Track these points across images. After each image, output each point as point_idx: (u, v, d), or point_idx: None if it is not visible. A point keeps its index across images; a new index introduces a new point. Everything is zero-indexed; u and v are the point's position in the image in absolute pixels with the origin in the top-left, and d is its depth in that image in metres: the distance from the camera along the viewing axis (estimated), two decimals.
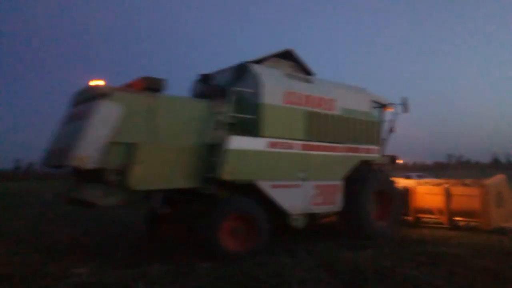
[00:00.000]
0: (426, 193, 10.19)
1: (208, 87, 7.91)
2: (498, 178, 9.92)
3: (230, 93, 7.09)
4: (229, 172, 6.63)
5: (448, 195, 9.75)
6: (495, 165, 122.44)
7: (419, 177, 16.77)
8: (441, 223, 9.84)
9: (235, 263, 6.16)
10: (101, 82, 6.51)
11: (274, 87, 7.39)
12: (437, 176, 13.58)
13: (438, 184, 10.25)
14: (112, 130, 5.91)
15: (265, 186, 7.09)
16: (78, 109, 6.54)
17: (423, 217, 10.32)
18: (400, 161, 10.57)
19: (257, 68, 7.53)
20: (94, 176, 6.03)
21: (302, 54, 8.52)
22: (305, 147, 7.76)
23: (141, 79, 6.55)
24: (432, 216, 10.05)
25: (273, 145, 7.29)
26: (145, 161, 6.09)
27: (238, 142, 6.84)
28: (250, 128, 7.11)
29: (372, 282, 5.22)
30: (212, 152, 6.71)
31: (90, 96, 6.27)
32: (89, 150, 5.73)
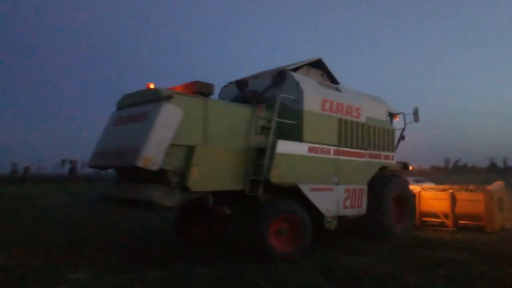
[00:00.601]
0: (432, 198, 10.86)
1: (244, 93, 8.17)
2: (498, 185, 10.68)
3: (270, 99, 7.49)
4: (276, 175, 6.93)
5: (454, 200, 10.40)
6: (493, 170, 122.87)
7: (417, 182, 16.72)
8: (446, 226, 10.44)
9: (233, 269, 6.14)
10: (152, 85, 6.82)
11: (313, 95, 7.76)
12: (435, 181, 13.60)
13: (443, 190, 10.98)
14: (173, 133, 6.09)
15: (306, 189, 7.40)
16: (135, 110, 6.63)
17: (428, 220, 10.96)
18: (411, 168, 11.32)
19: (296, 76, 7.87)
20: (149, 177, 6.17)
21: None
22: (337, 153, 8.17)
23: (193, 83, 6.84)
24: (438, 220, 10.68)
25: (312, 150, 7.66)
26: (202, 164, 6.29)
27: (285, 147, 7.16)
28: (290, 133, 7.41)
29: None
30: (258, 156, 6.96)
31: (150, 99, 6.44)
32: (154, 152, 5.88)
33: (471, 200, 10.25)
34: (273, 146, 7.00)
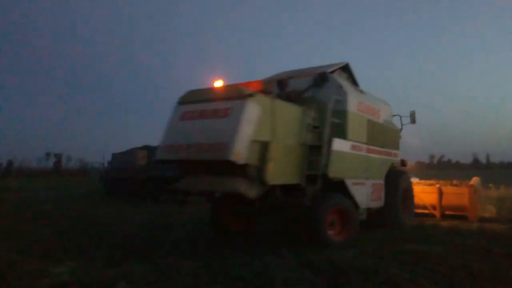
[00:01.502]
0: (421, 192, 12.11)
1: (286, 92, 8.52)
2: (476, 180, 12.03)
3: (310, 99, 8.22)
4: (332, 170, 7.66)
5: (441, 193, 11.89)
6: (476, 166, 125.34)
7: None
8: (433, 216, 11.86)
9: (219, 263, 6.14)
10: (222, 82, 7.77)
11: (353, 96, 8.54)
12: (420, 176, 13.94)
13: (431, 184, 12.40)
14: (254, 129, 6.57)
15: (349, 183, 8.15)
16: (210, 106, 7.03)
17: (417, 212, 11.88)
18: (408, 164, 12.28)
19: (337, 78, 8.58)
20: (228, 171, 6.67)
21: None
22: (367, 150, 9.04)
23: (258, 82, 7.65)
24: (426, 211, 12.05)
25: (353, 147, 8.47)
26: (274, 159, 6.80)
27: (338, 144, 7.92)
28: (333, 132, 7.97)
29: (355, 281, 5.25)
30: (311, 152, 7.54)
31: (230, 96, 6.94)
32: (242, 147, 6.35)
33: (456, 193, 11.72)
34: (329, 143, 7.69)
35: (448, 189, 11.96)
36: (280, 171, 6.97)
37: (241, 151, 6.32)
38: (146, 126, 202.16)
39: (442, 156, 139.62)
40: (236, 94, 6.86)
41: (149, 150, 21.93)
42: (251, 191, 6.64)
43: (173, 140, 7.27)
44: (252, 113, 6.58)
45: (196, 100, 7.36)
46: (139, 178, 21.34)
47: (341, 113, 8.17)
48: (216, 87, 7.72)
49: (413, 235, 8.66)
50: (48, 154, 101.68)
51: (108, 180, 27.43)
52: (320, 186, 7.43)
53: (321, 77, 8.35)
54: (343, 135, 8.12)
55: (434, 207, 11.91)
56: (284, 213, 8.33)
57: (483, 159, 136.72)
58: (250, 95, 6.71)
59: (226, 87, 7.44)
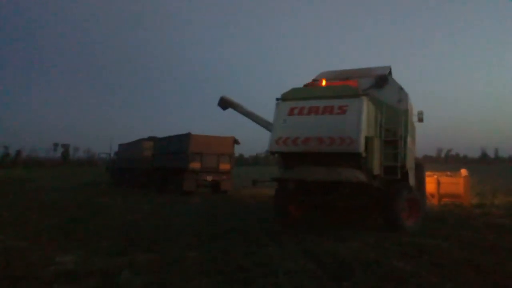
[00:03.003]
0: None
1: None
2: (465, 171, 13.72)
3: (376, 99, 8.86)
4: (408, 162, 8.84)
5: (439, 183, 13.45)
6: (484, 160, 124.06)
7: None
8: (432, 203, 13.20)
9: (223, 254, 6.17)
10: (325, 81, 8.86)
11: (409, 97, 9.38)
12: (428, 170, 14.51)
13: (429, 176, 13.38)
14: (366, 125, 7.58)
15: (411, 173, 9.32)
16: (322, 103, 7.99)
17: None
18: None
19: (396, 81, 9.41)
20: (341, 162, 7.67)
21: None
22: (413, 144, 10.19)
23: (353, 82, 8.74)
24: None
25: (411, 142, 9.56)
26: (375, 152, 7.90)
27: (408, 139, 9.03)
28: (391, 128, 8.87)
29: (358, 273, 5.25)
30: (386, 146, 8.57)
31: (343, 94, 7.96)
32: (362, 140, 7.39)
33: (452, 183, 13.45)
34: (405, 139, 8.78)
35: (445, 179, 13.59)
36: (378, 163, 8.14)
37: (362, 144, 7.34)
38: (152, 117, 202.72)
39: (450, 150, 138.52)
40: (351, 93, 7.89)
41: (155, 141, 22.13)
42: (367, 180, 7.64)
43: (285, 133, 8.10)
44: (366, 110, 7.60)
45: (302, 97, 8.28)
46: (145, 168, 21.54)
47: (404, 112, 9.06)
48: (323, 86, 8.72)
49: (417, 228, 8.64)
50: (55, 145, 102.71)
51: (115, 170, 27.72)
52: (399, 176, 8.36)
53: (382, 79, 9.21)
54: (405, 131, 8.94)
55: (432, 195, 13.43)
56: (357, 201, 8.78)
57: (491, 154, 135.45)
58: (365, 95, 7.81)
59: (337, 86, 8.43)
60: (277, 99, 8.61)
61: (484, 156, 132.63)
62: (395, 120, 8.84)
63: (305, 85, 9.12)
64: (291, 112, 8.20)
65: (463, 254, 6.25)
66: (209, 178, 17.29)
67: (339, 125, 7.59)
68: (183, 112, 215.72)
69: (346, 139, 7.41)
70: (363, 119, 7.49)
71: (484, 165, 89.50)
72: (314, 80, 9.47)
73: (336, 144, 7.51)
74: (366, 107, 7.61)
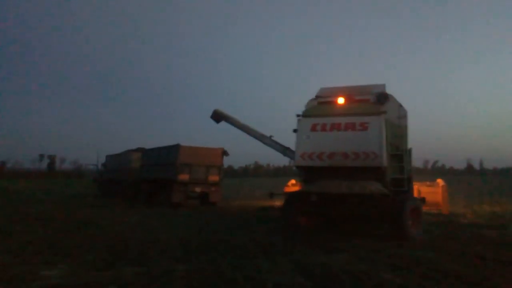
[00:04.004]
0: None
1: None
2: (442, 181, 14.64)
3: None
4: (412, 174, 9.37)
5: (419, 192, 13.87)
6: (470, 171, 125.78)
7: None
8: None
9: (211, 266, 6.10)
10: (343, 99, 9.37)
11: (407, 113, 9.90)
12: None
13: None
14: (385, 141, 8.29)
15: (414, 184, 9.97)
16: (343, 120, 8.69)
17: None
18: None
19: (395, 98, 9.76)
20: (362, 175, 8.30)
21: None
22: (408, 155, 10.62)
23: (367, 100, 9.41)
24: None
25: (411, 154, 9.97)
26: (389, 164, 8.52)
27: (411, 152, 9.76)
28: (394, 142, 9.20)
29: (347, 286, 5.23)
30: (392, 160, 8.87)
31: (364, 112, 8.77)
32: (385, 154, 8.20)
33: (431, 192, 14.09)
34: (409, 152, 9.39)
35: (425, 189, 14.29)
36: (390, 175, 8.63)
37: (385, 159, 8.02)
38: (140, 128, 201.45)
39: (436, 162, 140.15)
40: (372, 111, 8.65)
41: (143, 152, 21.93)
42: (389, 192, 8.17)
43: (310, 148, 8.59)
44: (385, 127, 8.29)
45: (323, 114, 8.91)
46: (133, 180, 21.30)
47: (402, 128, 9.53)
48: (343, 103, 9.27)
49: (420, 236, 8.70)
50: (41, 155, 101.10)
51: (102, 181, 27.37)
52: (407, 188, 8.75)
53: (383, 96, 9.50)
54: (404, 144, 9.48)
55: None
56: (366, 211, 8.99)
57: (476, 165, 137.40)
58: (384, 113, 8.52)
59: (357, 104, 9.09)
60: (298, 115, 9.13)
61: (470, 167, 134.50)
62: (398, 135, 9.29)
63: (318, 102, 9.76)
64: (313, 128, 8.77)
65: (452, 266, 6.27)
66: (198, 189, 17.18)
67: (362, 141, 8.28)
68: (172, 123, 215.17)
69: (370, 154, 8.13)
70: (384, 135, 8.21)
71: (469, 176, 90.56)
72: (317, 96, 9.86)
73: (361, 159, 8.18)
74: (384, 124, 8.29)
